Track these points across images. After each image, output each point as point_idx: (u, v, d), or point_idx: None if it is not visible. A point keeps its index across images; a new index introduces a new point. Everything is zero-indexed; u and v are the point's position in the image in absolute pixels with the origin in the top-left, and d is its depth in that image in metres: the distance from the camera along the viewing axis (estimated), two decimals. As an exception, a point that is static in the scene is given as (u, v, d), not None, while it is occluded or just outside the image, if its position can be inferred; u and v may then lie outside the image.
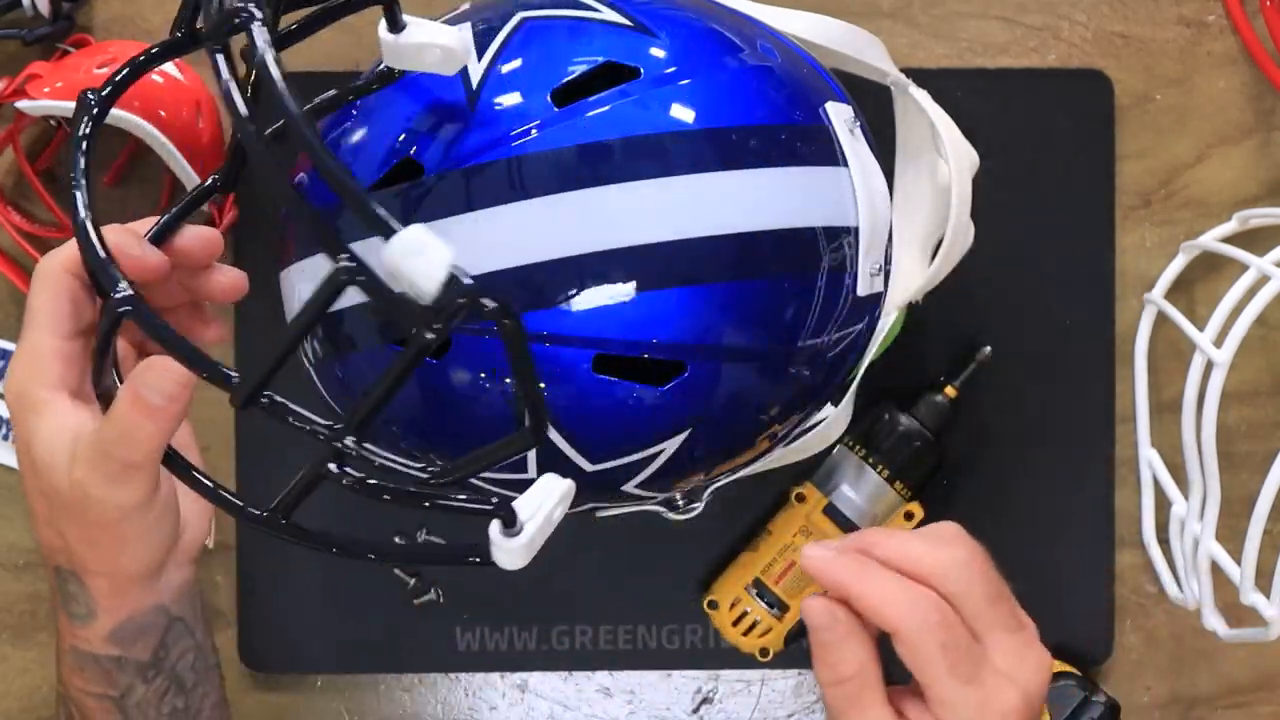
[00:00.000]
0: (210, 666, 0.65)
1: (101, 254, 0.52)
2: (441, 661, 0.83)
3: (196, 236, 0.59)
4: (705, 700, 0.84)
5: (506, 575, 0.81)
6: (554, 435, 0.61)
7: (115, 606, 0.60)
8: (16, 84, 0.76)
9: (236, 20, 0.47)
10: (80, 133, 0.55)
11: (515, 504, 0.49)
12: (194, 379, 0.52)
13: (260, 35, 0.46)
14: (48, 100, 0.73)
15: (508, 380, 0.60)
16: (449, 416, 0.62)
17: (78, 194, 0.53)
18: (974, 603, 0.55)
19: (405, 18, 0.56)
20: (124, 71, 0.56)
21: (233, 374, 0.49)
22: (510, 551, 0.50)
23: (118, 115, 0.72)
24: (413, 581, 0.81)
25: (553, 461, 0.62)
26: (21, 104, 0.73)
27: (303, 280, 0.64)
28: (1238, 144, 0.83)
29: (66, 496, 0.55)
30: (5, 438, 0.81)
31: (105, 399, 0.54)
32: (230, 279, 0.61)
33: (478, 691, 0.84)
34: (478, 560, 0.51)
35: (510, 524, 0.49)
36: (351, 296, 0.61)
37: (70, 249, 0.58)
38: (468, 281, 0.43)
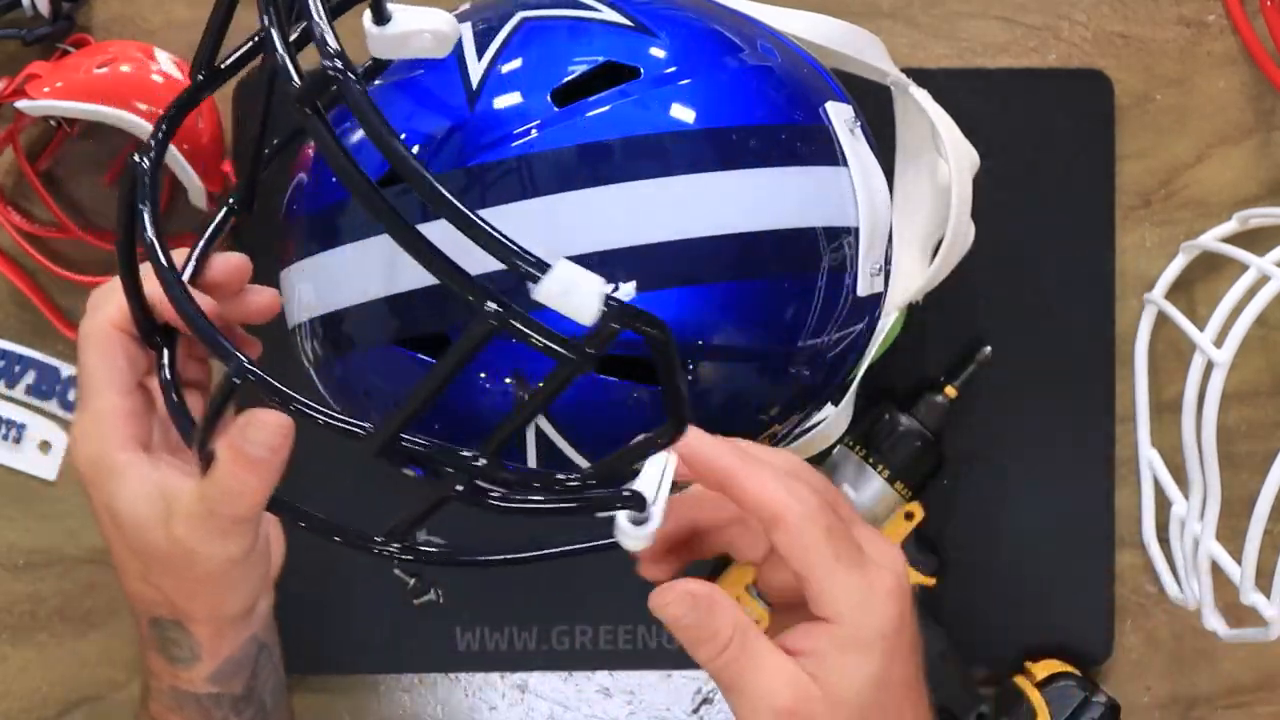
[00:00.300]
0: (283, 686, 0.66)
1: (210, 329, 0.51)
2: (441, 661, 0.83)
3: (227, 266, 0.59)
4: (705, 700, 0.84)
5: (507, 575, 0.81)
6: (554, 435, 0.61)
7: (218, 647, 0.60)
8: (16, 84, 0.76)
9: (332, 85, 0.46)
10: (139, 200, 0.54)
11: (638, 488, 0.50)
12: (294, 427, 0.52)
13: (363, 99, 0.46)
14: (48, 100, 0.73)
15: (507, 380, 0.60)
16: (448, 416, 0.62)
17: (160, 262, 0.52)
18: (833, 499, 0.54)
19: (390, 7, 0.56)
20: (162, 129, 0.55)
21: (363, 427, 0.49)
22: (639, 538, 0.51)
23: (117, 115, 0.72)
24: (413, 581, 0.81)
25: (553, 461, 0.62)
26: (21, 104, 0.73)
27: (303, 280, 0.64)
28: (1238, 144, 0.83)
29: (165, 553, 0.55)
30: (5, 438, 0.81)
31: (207, 460, 0.54)
32: (265, 299, 0.61)
33: (478, 691, 0.84)
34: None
35: (640, 509, 0.50)
36: (350, 296, 0.61)
37: (111, 305, 0.57)
38: (616, 303, 0.44)
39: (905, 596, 0.53)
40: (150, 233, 0.53)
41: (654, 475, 0.52)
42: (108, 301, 0.57)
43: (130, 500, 0.55)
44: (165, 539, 0.55)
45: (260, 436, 0.52)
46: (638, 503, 0.51)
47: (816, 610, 0.52)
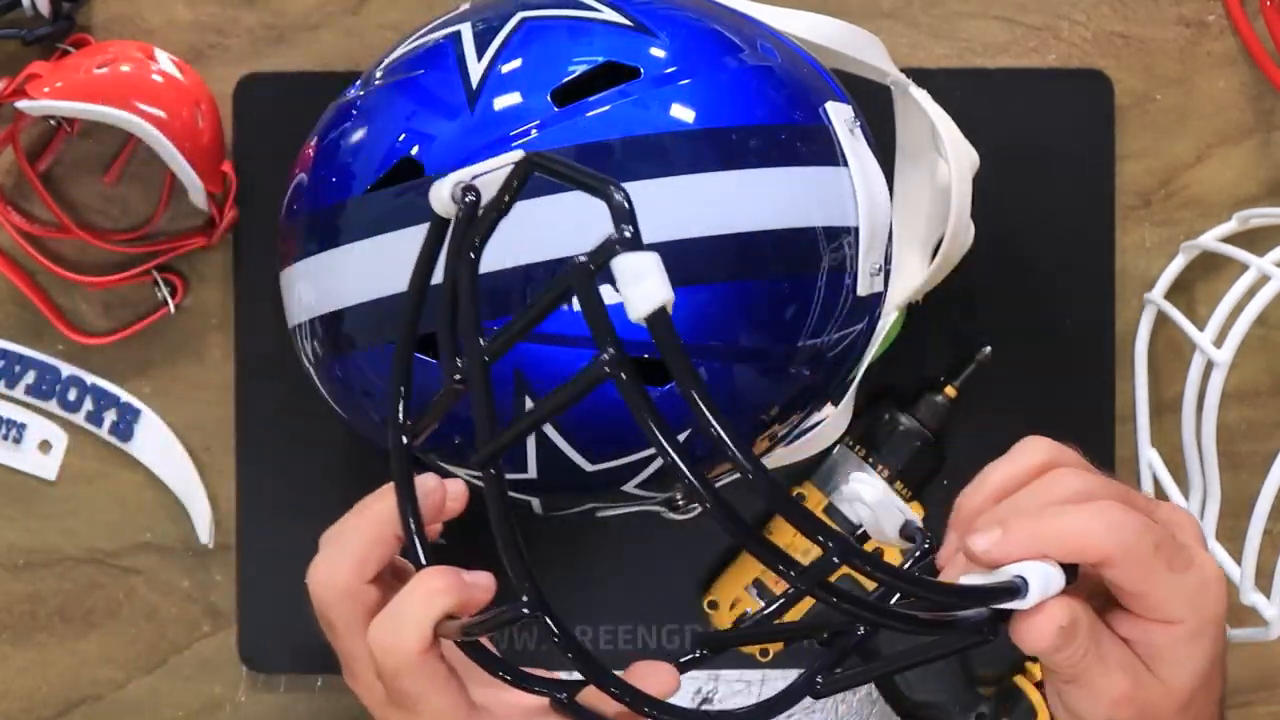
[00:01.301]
0: None
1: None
2: (441, 661, 0.82)
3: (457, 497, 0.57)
4: (705, 700, 0.84)
5: (506, 575, 0.81)
6: (554, 435, 0.61)
7: None
8: (16, 84, 0.75)
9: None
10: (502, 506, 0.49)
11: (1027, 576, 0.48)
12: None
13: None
14: (48, 100, 0.73)
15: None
16: (448, 418, 0.62)
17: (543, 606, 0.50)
18: (1130, 495, 0.52)
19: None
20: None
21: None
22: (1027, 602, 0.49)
23: (117, 115, 0.72)
24: (413, 581, 0.81)
25: (553, 461, 0.62)
26: (21, 104, 0.73)
27: (303, 280, 0.64)
28: (1238, 144, 0.83)
29: None
30: (5, 438, 0.81)
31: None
32: (458, 496, 0.58)
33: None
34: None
35: (1018, 594, 0.48)
36: (351, 296, 0.61)
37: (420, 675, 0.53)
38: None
39: (1224, 584, 0.52)
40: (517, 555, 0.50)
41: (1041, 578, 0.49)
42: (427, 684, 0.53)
43: None
44: None
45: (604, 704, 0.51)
46: (1016, 590, 0.48)
47: (1151, 615, 0.51)
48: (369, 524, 0.56)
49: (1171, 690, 0.51)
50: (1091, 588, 0.51)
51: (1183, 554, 0.51)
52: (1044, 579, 0.48)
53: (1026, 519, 0.50)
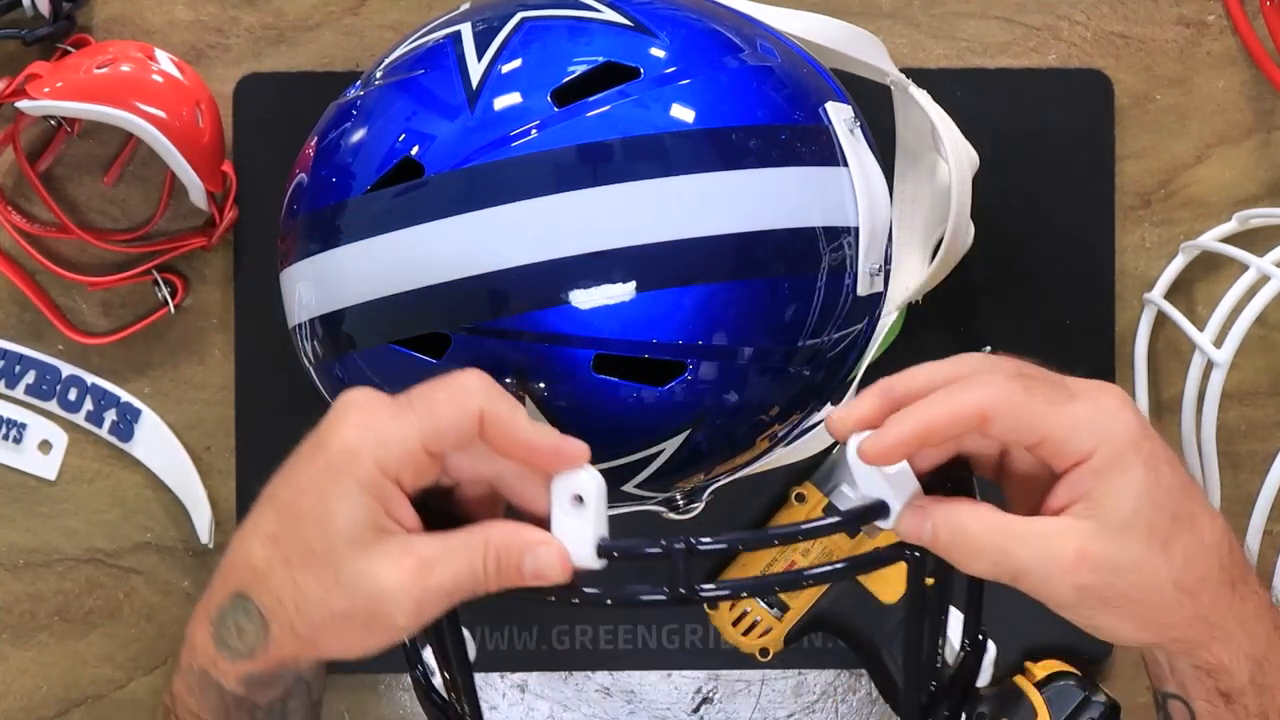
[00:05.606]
0: None
1: None
2: (441, 661, 0.83)
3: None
4: (705, 700, 0.84)
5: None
6: (554, 435, 0.61)
7: (271, 660, 0.56)
8: (16, 84, 0.76)
9: None
10: None
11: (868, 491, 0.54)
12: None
13: None
14: (48, 100, 0.73)
15: (507, 380, 0.60)
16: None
17: None
18: (1011, 364, 0.54)
19: None
20: None
21: None
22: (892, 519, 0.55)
23: (117, 115, 0.72)
24: (413, 581, 0.81)
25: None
26: (21, 104, 0.73)
27: (303, 280, 0.64)
28: (1238, 144, 0.83)
29: (348, 564, 0.52)
30: (5, 438, 0.81)
31: None
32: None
33: (478, 691, 0.84)
34: None
35: (886, 514, 0.55)
36: (351, 296, 0.61)
37: None
38: None
39: (1135, 408, 0.53)
40: None
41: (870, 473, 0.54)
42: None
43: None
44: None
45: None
46: (884, 510, 0.54)
47: (1062, 461, 0.52)
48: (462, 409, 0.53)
49: (1116, 528, 0.52)
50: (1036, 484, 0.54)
51: (1062, 389, 0.53)
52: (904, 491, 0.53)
53: (907, 421, 0.52)
